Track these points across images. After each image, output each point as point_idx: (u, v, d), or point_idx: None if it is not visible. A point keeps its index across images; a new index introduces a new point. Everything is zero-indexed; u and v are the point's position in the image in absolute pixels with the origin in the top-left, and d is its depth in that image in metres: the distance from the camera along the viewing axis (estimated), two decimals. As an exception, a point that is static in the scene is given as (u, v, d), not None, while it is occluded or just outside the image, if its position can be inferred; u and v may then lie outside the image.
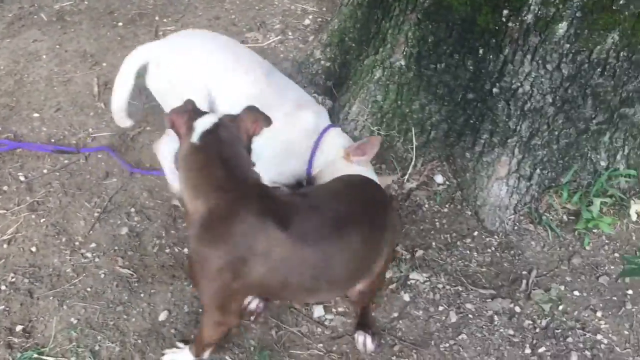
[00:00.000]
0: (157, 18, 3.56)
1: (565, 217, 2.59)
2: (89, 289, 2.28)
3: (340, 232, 1.73)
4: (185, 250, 2.42)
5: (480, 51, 2.50)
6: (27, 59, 3.27)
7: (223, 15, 3.62)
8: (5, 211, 2.51)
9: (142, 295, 2.27)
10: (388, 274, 2.34)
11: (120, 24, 3.51)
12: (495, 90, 2.53)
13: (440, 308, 2.29)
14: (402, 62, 2.63)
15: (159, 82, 2.37)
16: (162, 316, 2.20)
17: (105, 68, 3.21)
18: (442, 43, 2.54)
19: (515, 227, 2.57)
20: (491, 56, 2.49)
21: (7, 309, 2.20)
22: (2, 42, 3.38)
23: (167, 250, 2.43)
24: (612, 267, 2.44)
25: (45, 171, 2.68)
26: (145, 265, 2.38)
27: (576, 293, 2.36)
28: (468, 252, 2.50)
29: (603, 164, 2.61)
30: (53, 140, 2.83)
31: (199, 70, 2.31)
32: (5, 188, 2.60)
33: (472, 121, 2.65)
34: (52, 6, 3.60)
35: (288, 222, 1.64)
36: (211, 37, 2.54)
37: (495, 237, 2.55)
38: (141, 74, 2.39)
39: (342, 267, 1.77)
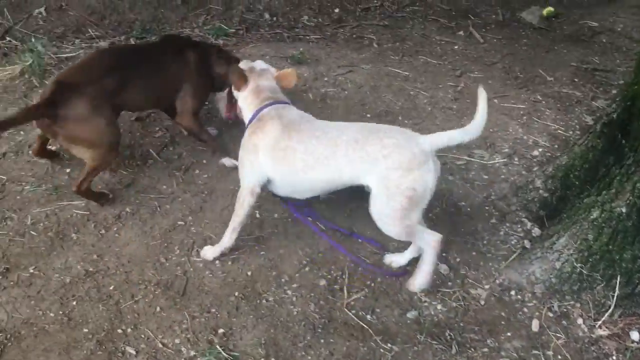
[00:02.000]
0: (400, 118, 4.02)
1: None
2: (281, 319, 2.62)
3: None
4: (371, 314, 2.67)
5: None
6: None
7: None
8: (238, 236, 3.01)
9: (322, 341, 2.55)
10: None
11: (368, 115, 4.03)
12: None
13: None
14: (624, 210, 2.66)
15: None
16: (334, 364, 2.45)
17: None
18: (671, 201, 2.54)
19: None
20: None
21: (217, 314, 2.63)
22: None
23: (353, 312, 2.70)
24: None
25: (276, 215, 3.17)
26: (331, 317, 2.66)
27: None
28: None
29: None
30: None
31: None
32: (243, 219, 3.13)
33: (686, 287, 2.55)
34: (320, 90, 4.28)
35: None
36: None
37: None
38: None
39: None
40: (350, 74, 4.45)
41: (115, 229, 2.98)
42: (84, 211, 3.03)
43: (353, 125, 2.76)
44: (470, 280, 2.92)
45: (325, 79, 4.35)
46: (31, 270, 2.71)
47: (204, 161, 3.46)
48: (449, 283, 2.90)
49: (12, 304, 2.56)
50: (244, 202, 2.79)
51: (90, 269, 2.75)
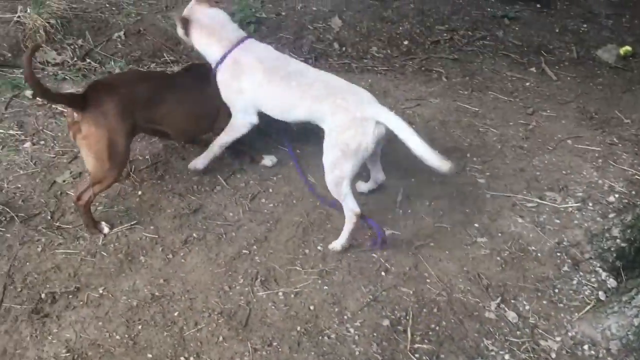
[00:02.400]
0: (468, 155, 3.94)
1: None
2: (343, 359, 2.57)
3: None
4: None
5: None
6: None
7: (529, 169, 3.84)
8: (301, 269, 3.00)
9: (384, 384, 2.49)
10: None
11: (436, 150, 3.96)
12: None
13: None
14: None
15: None
16: (396, 411, 2.37)
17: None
18: None
19: None
20: None
21: (279, 348, 2.60)
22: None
23: (416, 356, 2.62)
24: None
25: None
26: (393, 359, 2.60)
27: None
28: None
29: None
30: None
31: None
32: (307, 251, 3.11)
33: None
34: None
35: None
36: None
37: None
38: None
39: None
40: (418, 107, 4.41)
41: (181, 254, 3.01)
42: (153, 234, 3.09)
43: (320, 77, 3.18)
44: (540, 331, 2.80)
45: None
46: (100, 291, 2.77)
47: (270, 190, 3.48)
48: (518, 332, 2.79)
49: (80, 324, 2.61)
50: (237, 132, 3.33)
51: (157, 294, 2.78)
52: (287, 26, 5.39)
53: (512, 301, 2.93)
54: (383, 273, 3.02)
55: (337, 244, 3.09)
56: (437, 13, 5.83)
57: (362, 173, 3.30)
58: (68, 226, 3.08)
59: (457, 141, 4.08)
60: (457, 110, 4.44)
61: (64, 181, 3.34)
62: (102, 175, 2.91)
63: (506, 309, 2.89)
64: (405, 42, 5.45)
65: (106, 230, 3.06)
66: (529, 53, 5.52)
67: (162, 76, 3.52)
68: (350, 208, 3.01)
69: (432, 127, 4.21)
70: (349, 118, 2.93)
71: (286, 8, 5.63)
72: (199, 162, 3.42)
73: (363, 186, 3.47)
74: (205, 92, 3.33)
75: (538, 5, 6.26)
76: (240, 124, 3.32)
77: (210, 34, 3.22)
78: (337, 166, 2.96)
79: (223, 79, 3.23)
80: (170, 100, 3.14)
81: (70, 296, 2.73)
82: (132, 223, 3.13)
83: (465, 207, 3.49)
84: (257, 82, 3.15)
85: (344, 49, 5.32)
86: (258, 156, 3.62)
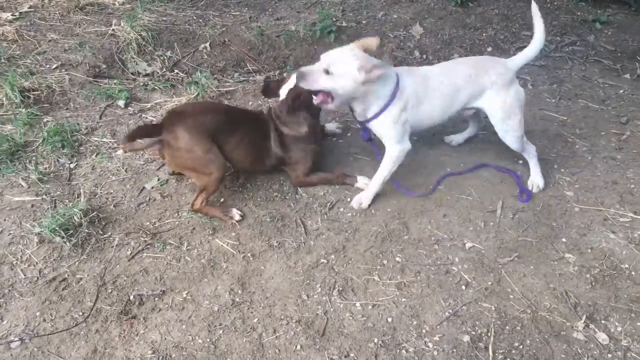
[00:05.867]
0: (555, 166, 3.79)
1: None
2: (421, 374, 2.53)
3: None
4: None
5: None
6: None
7: (622, 181, 3.64)
8: (379, 280, 2.97)
9: (463, 403, 2.42)
10: None
11: (520, 161, 3.83)
12: None
13: None
14: None
15: None
16: None
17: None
18: None
19: None
20: None
21: (356, 358, 2.60)
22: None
23: (498, 375, 2.54)
24: None
25: (418, 261, 3.09)
26: (474, 378, 2.53)
27: None
28: None
29: None
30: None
31: None
32: (385, 262, 3.08)
33: None
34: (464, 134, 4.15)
35: None
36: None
37: None
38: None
39: None
40: (502, 116, 4.28)
41: (261, 260, 3.06)
42: (234, 241, 3.16)
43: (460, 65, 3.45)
44: (633, 354, 2.63)
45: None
46: (184, 295, 2.86)
47: (349, 199, 3.48)
48: (609, 355, 2.63)
49: (165, 327, 2.71)
50: (398, 160, 3.37)
51: (237, 300, 2.84)
52: (368, 34, 5.37)
53: (603, 322, 2.77)
54: (463, 287, 2.94)
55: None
56: (523, 18, 5.65)
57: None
58: (155, 231, 3.21)
59: (543, 152, 3.91)
60: (543, 119, 4.28)
61: (152, 187, 3.49)
62: (207, 184, 3.25)
63: (596, 329, 2.74)
64: (489, 49, 5.32)
65: (237, 217, 3.31)
66: (623, 59, 5.25)
67: (226, 111, 3.48)
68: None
69: (517, 136, 4.07)
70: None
71: (367, 16, 5.65)
72: (365, 200, 3.43)
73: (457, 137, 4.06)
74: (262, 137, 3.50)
75: (633, 9, 5.93)
76: (401, 153, 3.35)
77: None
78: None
79: (392, 109, 3.22)
80: (234, 137, 3.36)
81: (157, 299, 2.84)
82: (215, 231, 3.22)
83: (551, 220, 3.35)
84: (414, 93, 3.25)
85: (424, 56, 5.26)
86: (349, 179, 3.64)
